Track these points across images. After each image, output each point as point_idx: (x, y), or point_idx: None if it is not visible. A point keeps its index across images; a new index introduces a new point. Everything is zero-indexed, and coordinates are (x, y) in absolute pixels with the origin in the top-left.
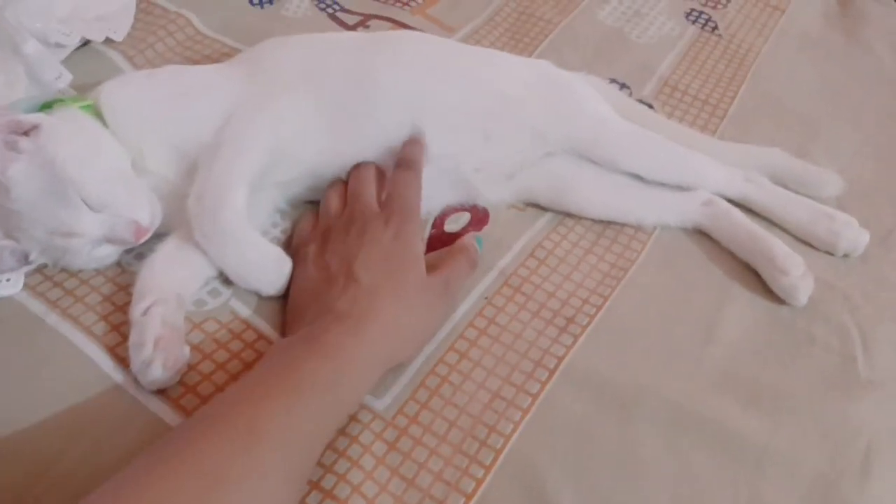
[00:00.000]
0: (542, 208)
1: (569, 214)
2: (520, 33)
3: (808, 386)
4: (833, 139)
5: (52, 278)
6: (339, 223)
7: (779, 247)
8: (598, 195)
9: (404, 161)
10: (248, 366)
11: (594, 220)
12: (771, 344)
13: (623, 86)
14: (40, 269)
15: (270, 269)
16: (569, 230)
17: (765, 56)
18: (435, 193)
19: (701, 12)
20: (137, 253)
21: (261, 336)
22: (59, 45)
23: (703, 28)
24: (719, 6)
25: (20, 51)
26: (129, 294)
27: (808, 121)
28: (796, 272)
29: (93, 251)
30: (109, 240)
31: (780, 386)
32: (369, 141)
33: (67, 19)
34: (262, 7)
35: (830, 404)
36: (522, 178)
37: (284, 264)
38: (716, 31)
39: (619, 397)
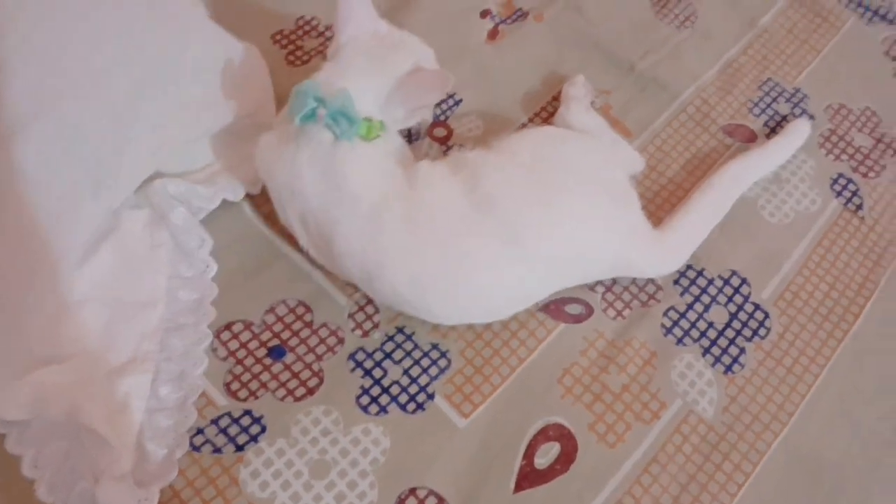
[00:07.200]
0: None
1: (655, 459)
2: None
3: None
4: None
5: None
6: None
7: None
8: None
9: None
10: None
11: (677, 469)
12: None
13: (744, 281)
14: None
15: None
16: (653, 480)
17: None
18: None
19: (849, 180)
20: None
21: None
22: (199, 209)
23: (846, 205)
24: (871, 174)
25: (167, 218)
26: None
27: None
28: None
29: None
30: None
31: None
32: None
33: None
34: None
35: None
36: None
37: None
38: (859, 212)
39: None
